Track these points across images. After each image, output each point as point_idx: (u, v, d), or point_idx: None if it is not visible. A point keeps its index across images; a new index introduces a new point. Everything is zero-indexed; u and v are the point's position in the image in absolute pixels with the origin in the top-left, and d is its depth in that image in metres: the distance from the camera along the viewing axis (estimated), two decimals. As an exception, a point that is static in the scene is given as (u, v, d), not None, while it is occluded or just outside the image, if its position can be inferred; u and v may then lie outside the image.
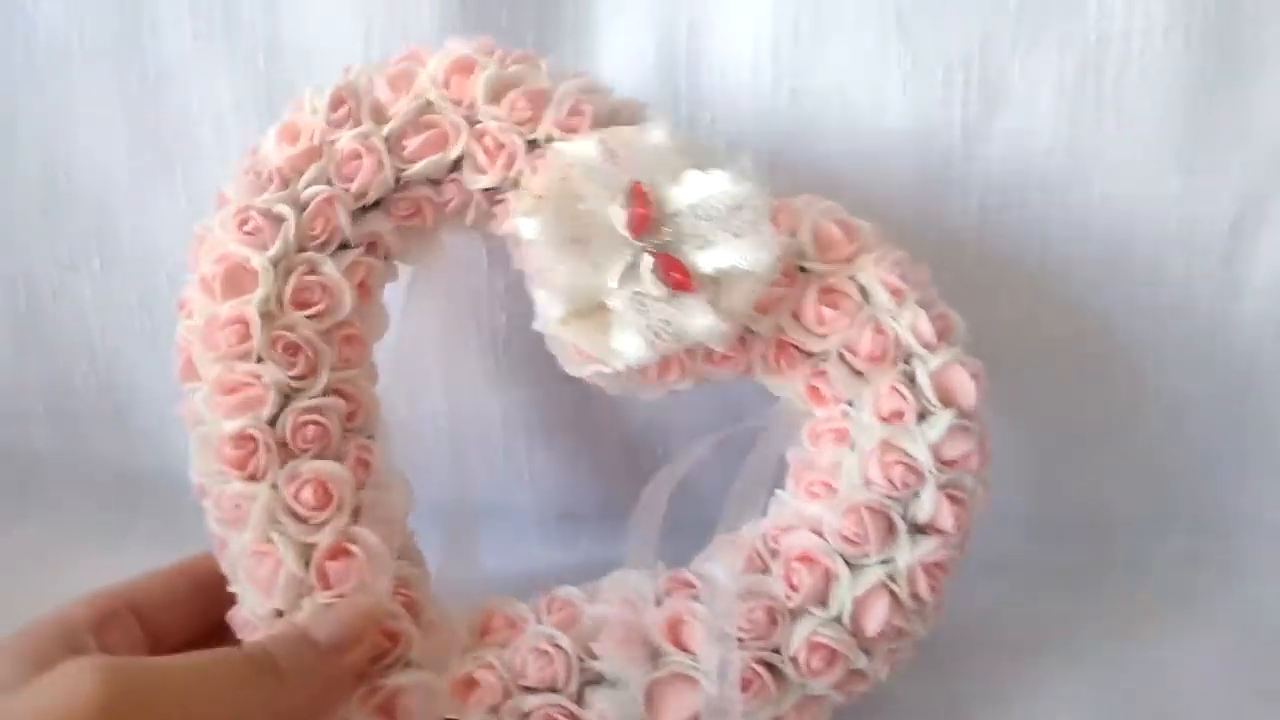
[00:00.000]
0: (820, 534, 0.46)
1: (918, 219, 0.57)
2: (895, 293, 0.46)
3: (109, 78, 0.59)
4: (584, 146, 0.44)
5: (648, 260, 0.43)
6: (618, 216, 0.43)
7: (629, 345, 0.43)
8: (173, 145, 0.60)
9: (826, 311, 0.46)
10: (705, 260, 0.43)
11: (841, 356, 0.46)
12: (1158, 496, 0.61)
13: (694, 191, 0.44)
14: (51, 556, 0.64)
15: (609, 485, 0.64)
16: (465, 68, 0.47)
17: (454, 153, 0.46)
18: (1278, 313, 0.57)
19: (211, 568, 0.46)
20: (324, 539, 0.44)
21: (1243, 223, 0.57)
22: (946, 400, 0.46)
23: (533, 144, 0.46)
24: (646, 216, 0.43)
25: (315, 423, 0.45)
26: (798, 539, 0.46)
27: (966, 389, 0.46)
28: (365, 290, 0.48)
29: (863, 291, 0.46)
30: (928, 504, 0.45)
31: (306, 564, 0.44)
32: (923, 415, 0.45)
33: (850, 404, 0.47)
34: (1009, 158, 0.57)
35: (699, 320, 0.43)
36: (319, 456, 0.45)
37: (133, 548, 0.64)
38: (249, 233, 0.45)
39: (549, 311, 0.43)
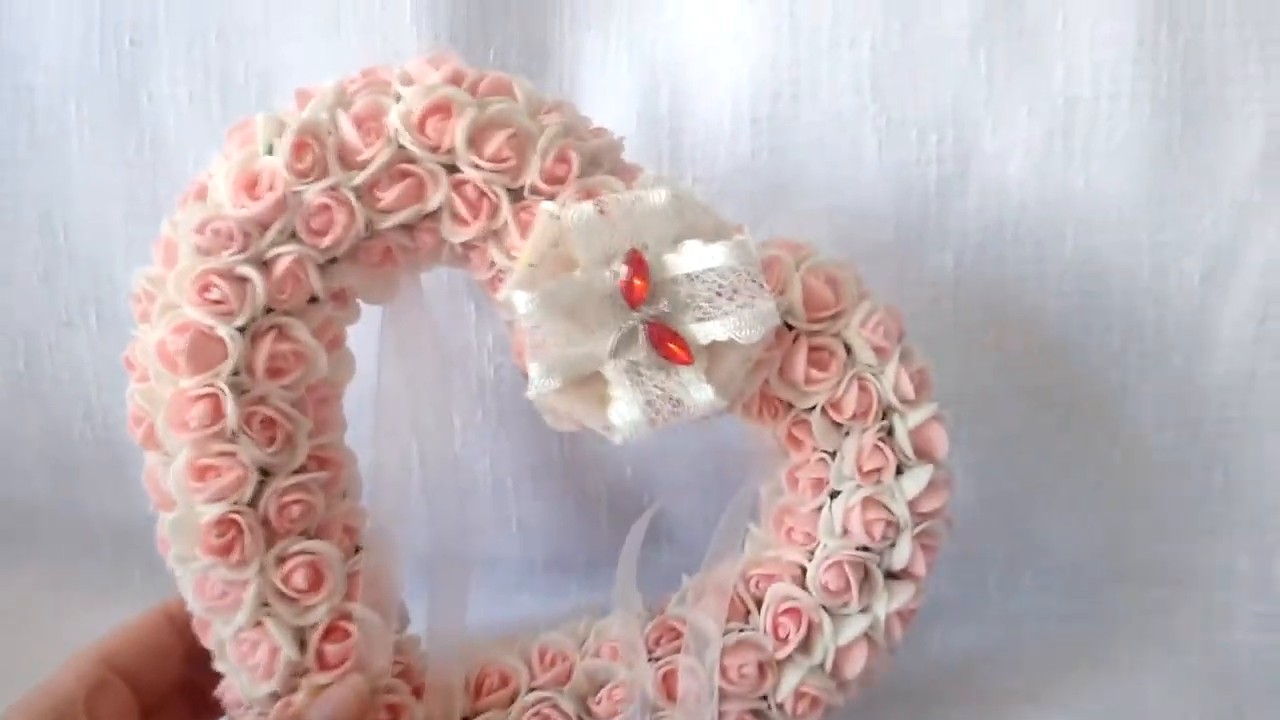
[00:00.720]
0: (803, 584, 0.48)
1: (895, 274, 0.59)
2: (880, 351, 0.47)
3: (107, 143, 0.61)
4: (580, 211, 0.42)
5: (643, 331, 0.42)
6: (614, 285, 0.42)
7: (627, 417, 0.42)
8: (168, 207, 0.61)
9: (814, 372, 0.47)
10: (702, 333, 0.43)
11: (824, 411, 0.47)
12: (1131, 546, 0.62)
13: (693, 262, 0.43)
14: (48, 607, 0.64)
15: (596, 535, 0.65)
16: (442, 109, 0.43)
17: (433, 203, 0.43)
18: (1248, 364, 0.59)
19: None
20: (319, 619, 0.43)
21: (1213, 275, 0.58)
22: (923, 454, 0.47)
23: (515, 193, 0.44)
24: (644, 287, 0.42)
25: (299, 501, 0.43)
26: (781, 590, 0.48)
27: (941, 442, 0.47)
28: (335, 344, 0.46)
29: (847, 349, 0.47)
30: (903, 553, 0.47)
31: (302, 645, 0.43)
32: (900, 469, 0.47)
33: (830, 454, 0.48)
34: (983, 214, 0.58)
35: (697, 395, 0.42)
36: (306, 535, 0.44)
37: (128, 599, 0.64)
38: (214, 300, 0.42)
39: (543, 384, 0.42)
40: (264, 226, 0.42)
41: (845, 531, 0.47)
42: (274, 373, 0.43)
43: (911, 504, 0.47)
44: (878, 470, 0.47)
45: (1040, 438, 0.61)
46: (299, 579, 0.43)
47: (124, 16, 0.60)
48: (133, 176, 0.61)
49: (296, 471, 0.44)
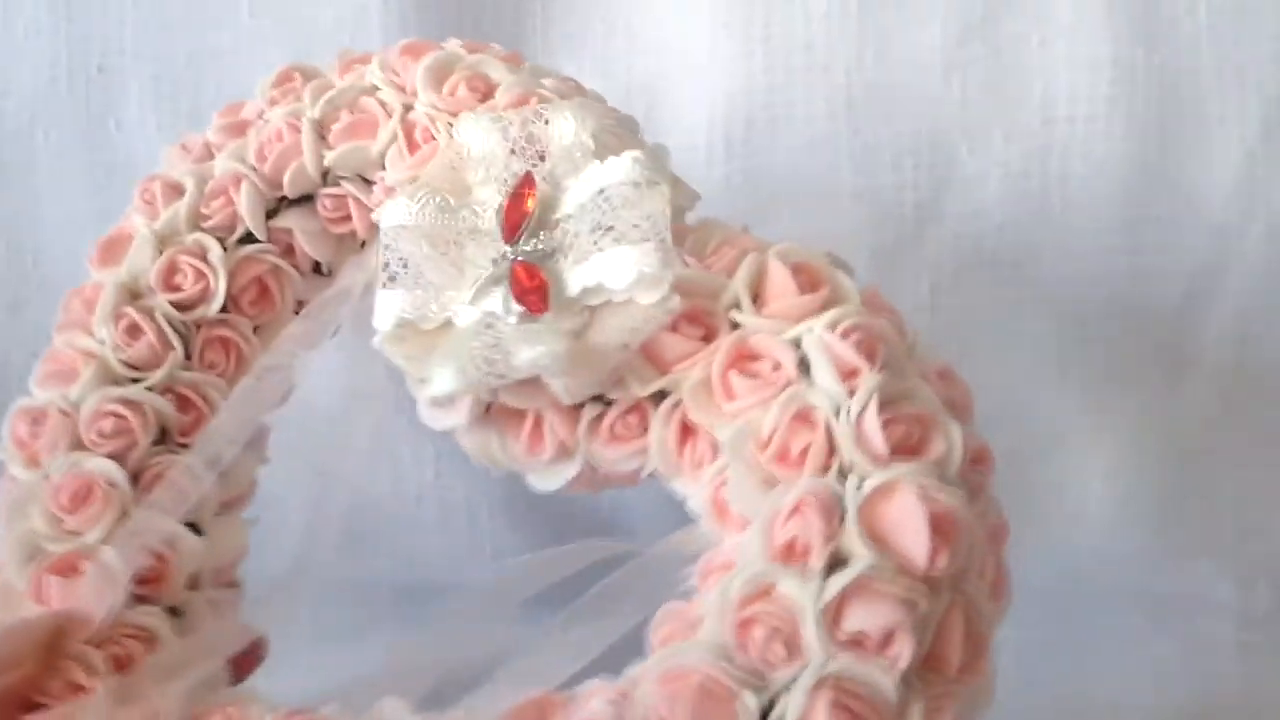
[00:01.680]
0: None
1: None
2: (847, 373, 0.30)
3: (75, 169, 0.61)
4: (476, 120, 0.36)
5: (510, 272, 0.34)
6: (492, 210, 0.35)
7: (437, 374, 0.32)
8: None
9: (736, 379, 0.32)
10: (576, 277, 0.33)
11: (746, 452, 0.31)
12: (1110, 572, 0.61)
13: (588, 186, 0.34)
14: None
15: (572, 565, 0.64)
16: (417, 50, 0.40)
17: (380, 143, 0.39)
18: (1227, 391, 0.58)
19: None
20: (59, 549, 0.37)
21: (1191, 300, 0.57)
22: (882, 548, 0.28)
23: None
24: (522, 215, 0.34)
25: (117, 415, 0.38)
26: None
27: (915, 535, 0.27)
28: (264, 294, 0.42)
29: (803, 364, 0.31)
30: (797, 704, 0.26)
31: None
32: (836, 563, 0.28)
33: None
34: (960, 239, 0.58)
35: (521, 349, 0.32)
36: (110, 456, 0.38)
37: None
38: (145, 200, 0.41)
39: (384, 318, 0.34)
40: (222, 146, 0.42)
41: (721, 651, 0.27)
42: (167, 285, 0.40)
43: (832, 615, 0.27)
44: (798, 546, 0.28)
45: (1017, 465, 0.60)
46: (65, 496, 0.37)
47: (92, 44, 0.60)
48: (102, 204, 0.61)
49: (138, 390, 0.39)
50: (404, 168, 0.38)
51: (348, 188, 0.41)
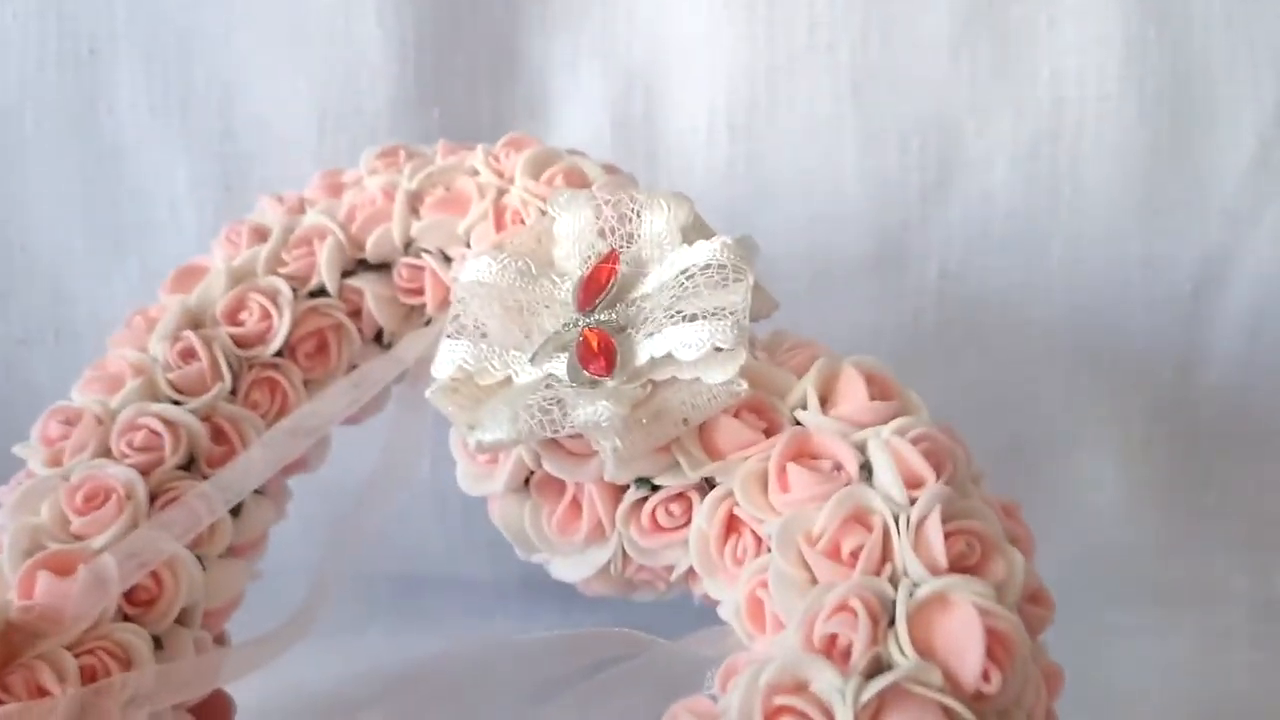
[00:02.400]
0: None
1: (876, 285, 0.57)
2: (912, 481, 0.30)
3: (65, 155, 0.59)
4: (573, 200, 0.36)
5: (578, 338, 0.33)
6: (571, 280, 0.34)
7: (491, 420, 0.31)
8: (128, 222, 0.59)
9: (794, 471, 0.31)
10: (644, 349, 0.32)
11: (795, 548, 0.30)
12: (1124, 564, 0.60)
13: (672, 267, 0.33)
14: None
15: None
16: (520, 143, 0.42)
17: (469, 219, 0.40)
18: (1241, 378, 0.57)
19: None
20: (59, 548, 0.35)
21: (1205, 286, 0.56)
22: (927, 653, 0.26)
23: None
24: (600, 287, 0.33)
25: (151, 430, 0.38)
26: None
27: (968, 651, 0.26)
28: (322, 349, 0.42)
29: (865, 468, 0.31)
30: None
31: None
32: (877, 669, 0.26)
33: None
34: (967, 222, 0.57)
35: (581, 406, 0.31)
36: (134, 468, 0.37)
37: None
38: (230, 240, 0.43)
39: (443, 366, 0.33)
40: (314, 203, 0.44)
41: None
42: (231, 319, 0.41)
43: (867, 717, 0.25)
44: (839, 647, 0.27)
45: (1027, 454, 0.59)
46: (79, 499, 0.36)
47: (82, 26, 0.58)
48: (92, 191, 0.60)
49: (181, 412, 0.39)
50: (489, 242, 0.39)
51: (428, 260, 0.42)
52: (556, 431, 0.31)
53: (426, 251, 0.42)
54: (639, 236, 0.35)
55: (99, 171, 0.59)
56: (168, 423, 0.38)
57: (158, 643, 0.36)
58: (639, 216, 0.35)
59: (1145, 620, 0.59)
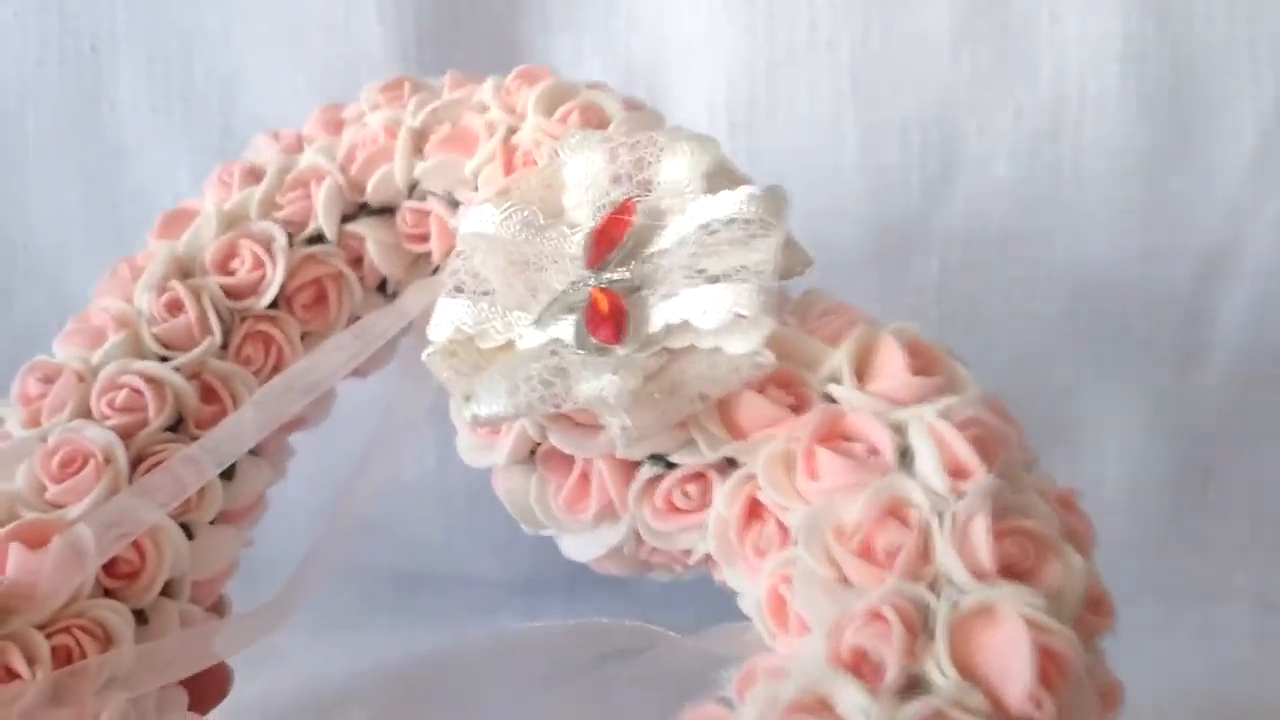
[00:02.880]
0: None
1: (877, 281, 0.57)
2: (958, 470, 0.26)
3: (66, 153, 0.59)
4: (585, 138, 0.32)
5: (584, 297, 0.30)
6: (582, 231, 0.31)
7: (487, 391, 0.29)
8: (130, 220, 0.59)
9: (824, 457, 0.27)
10: (660, 312, 0.29)
11: (822, 543, 0.26)
12: (1124, 560, 0.60)
13: (692, 220, 0.29)
14: None
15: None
16: (532, 76, 0.38)
17: (476, 160, 0.37)
18: (1242, 373, 0.57)
19: None
20: (33, 517, 0.33)
21: (1205, 282, 0.56)
22: (970, 676, 0.23)
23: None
24: (612, 241, 0.30)
25: (134, 389, 0.35)
26: None
27: (1014, 669, 0.23)
28: (321, 300, 0.40)
29: (904, 454, 0.27)
30: None
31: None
32: (910, 687, 0.23)
33: None
34: (968, 219, 0.56)
35: (590, 379, 0.28)
36: (115, 430, 0.35)
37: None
38: (222, 181, 0.40)
39: (440, 327, 0.31)
40: (312, 141, 0.41)
41: None
42: (221, 268, 0.38)
43: None
44: (869, 662, 0.24)
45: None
46: (54, 464, 0.34)
47: (83, 23, 0.58)
48: (93, 190, 0.60)
49: (167, 369, 0.36)
50: (494, 188, 0.36)
51: (434, 205, 0.38)
52: (558, 406, 0.28)
53: (432, 194, 0.39)
54: (657, 184, 0.31)
55: (100, 170, 0.59)
56: (152, 381, 0.35)
57: (140, 618, 0.33)
58: (658, 161, 0.31)
59: (1146, 616, 0.59)
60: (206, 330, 0.37)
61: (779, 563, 0.27)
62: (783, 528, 0.28)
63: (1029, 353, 0.58)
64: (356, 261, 0.40)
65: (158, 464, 0.35)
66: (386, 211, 0.40)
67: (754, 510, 0.29)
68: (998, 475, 0.26)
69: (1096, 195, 0.56)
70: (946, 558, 0.25)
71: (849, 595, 0.25)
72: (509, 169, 0.36)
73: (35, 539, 0.32)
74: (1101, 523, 0.61)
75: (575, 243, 0.31)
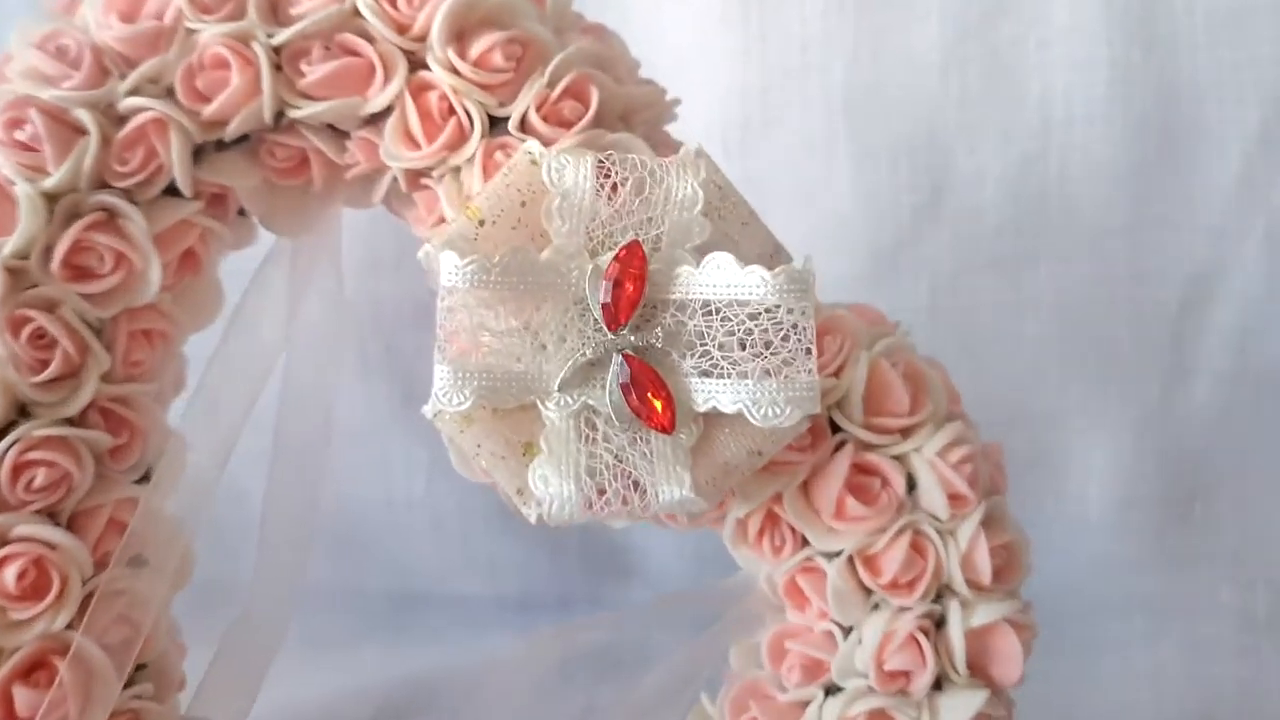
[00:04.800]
0: None
1: (868, 301, 0.57)
2: (957, 501, 0.33)
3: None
4: (572, 164, 0.29)
5: (617, 367, 0.29)
6: (593, 286, 0.29)
7: (554, 488, 0.29)
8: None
9: (853, 502, 0.32)
10: (704, 391, 0.29)
11: (852, 563, 0.33)
12: (1111, 577, 0.61)
13: (716, 284, 0.29)
14: None
15: (569, 572, 0.63)
16: None
17: (377, 102, 0.31)
18: (1227, 394, 0.58)
19: None
20: (23, 644, 0.30)
21: (1191, 303, 0.57)
22: (980, 670, 0.33)
23: (497, 123, 0.31)
24: (636, 297, 0.29)
25: (49, 464, 0.30)
26: None
27: (1012, 661, 0.33)
28: (192, 263, 0.33)
29: (911, 483, 0.33)
30: None
31: None
32: (941, 683, 0.33)
33: (843, 628, 0.33)
34: (957, 241, 0.57)
35: (664, 485, 0.29)
36: (48, 514, 0.30)
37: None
38: (22, 144, 0.30)
39: (448, 398, 0.28)
40: (130, 63, 0.30)
41: None
42: (76, 273, 0.30)
43: None
44: (905, 675, 0.33)
45: (1017, 468, 0.60)
46: (10, 576, 0.29)
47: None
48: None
49: (65, 422, 0.30)
50: (423, 156, 0.31)
51: (312, 139, 0.32)
52: (636, 517, 0.29)
53: (305, 125, 0.32)
54: (658, 215, 0.29)
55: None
56: (60, 446, 0.30)
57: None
58: (660, 186, 0.29)
59: (1132, 632, 0.60)
60: (87, 353, 0.31)
61: (796, 561, 0.33)
62: (796, 534, 0.33)
63: (1017, 373, 0.58)
64: (213, 203, 0.33)
65: (108, 523, 0.32)
66: (242, 140, 0.33)
67: (772, 519, 0.33)
68: (982, 496, 0.33)
69: (1083, 218, 0.56)
70: (954, 575, 0.32)
71: (882, 616, 0.32)
72: (429, 127, 0.31)
73: (33, 670, 0.30)
74: (1089, 540, 0.62)
75: (574, 281, 0.29)
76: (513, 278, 0.28)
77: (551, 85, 0.31)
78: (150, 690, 0.32)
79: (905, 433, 0.33)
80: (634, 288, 0.29)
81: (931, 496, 0.32)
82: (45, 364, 0.30)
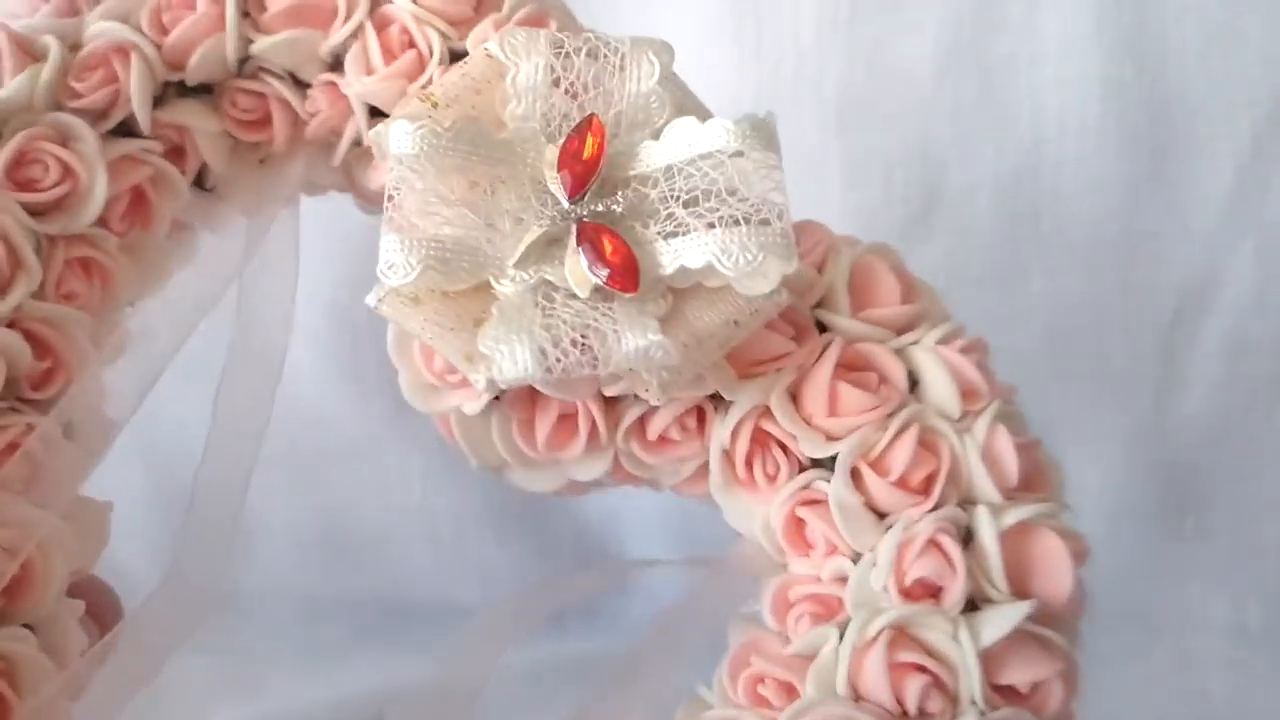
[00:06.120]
0: None
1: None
2: (969, 395, 0.29)
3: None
4: (525, 41, 0.28)
5: (575, 234, 0.27)
6: (549, 158, 0.28)
7: (510, 353, 0.26)
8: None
9: (845, 391, 0.28)
10: (670, 253, 0.27)
11: (855, 475, 0.28)
12: (1102, 590, 0.61)
13: (677, 146, 0.28)
14: None
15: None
16: None
17: (335, 38, 0.31)
18: (1220, 406, 0.58)
19: None
20: None
21: (1183, 316, 0.57)
22: (1021, 588, 0.27)
23: (458, 57, 0.31)
24: (593, 167, 0.27)
25: None
26: None
27: (1060, 574, 0.27)
28: (140, 206, 0.32)
29: (911, 378, 0.30)
30: None
31: None
32: (974, 603, 0.27)
33: (855, 560, 0.29)
34: (949, 255, 0.57)
35: (631, 338, 0.26)
36: None
37: None
38: None
39: (393, 270, 0.26)
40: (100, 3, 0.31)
41: (856, 696, 0.27)
42: (20, 185, 0.30)
43: (987, 664, 0.26)
44: (934, 593, 0.27)
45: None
46: None
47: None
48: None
49: None
50: (378, 79, 0.30)
51: (275, 85, 0.32)
52: (596, 369, 0.26)
53: (269, 72, 0.32)
54: (620, 96, 0.28)
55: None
56: None
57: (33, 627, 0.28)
58: (621, 70, 0.28)
59: (1125, 646, 0.60)
60: (18, 265, 0.29)
61: (795, 488, 0.29)
62: (788, 453, 0.29)
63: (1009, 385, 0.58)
64: (174, 154, 0.33)
65: (7, 446, 0.29)
66: (203, 89, 0.33)
67: (761, 440, 0.30)
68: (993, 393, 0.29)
69: (1076, 231, 0.56)
70: (978, 478, 0.28)
71: (898, 525, 0.27)
72: (387, 54, 0.31)
73: None
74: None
75: (530, 159, 0.28)
76: (465, 146, 0.27)
77: (509, 16, 0.31)
78: (27, 636, 0.28)
79: (900, 330, 0.30)
80: (593, 153, 0.27)
81: (939, 389, 0.29)
82: None
